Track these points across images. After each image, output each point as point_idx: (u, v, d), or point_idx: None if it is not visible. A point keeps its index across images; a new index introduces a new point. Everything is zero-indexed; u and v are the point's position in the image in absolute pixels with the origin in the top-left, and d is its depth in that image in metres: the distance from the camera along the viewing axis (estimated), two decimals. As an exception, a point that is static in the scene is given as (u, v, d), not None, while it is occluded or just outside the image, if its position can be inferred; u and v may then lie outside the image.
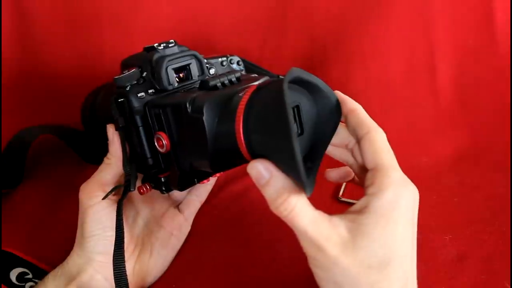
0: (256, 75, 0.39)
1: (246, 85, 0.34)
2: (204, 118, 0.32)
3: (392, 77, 0.65)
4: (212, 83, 0.36)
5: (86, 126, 0.57)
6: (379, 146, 0.31)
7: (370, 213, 0.29)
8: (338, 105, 0.32)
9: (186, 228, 0.47)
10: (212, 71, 0.43)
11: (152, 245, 0.44)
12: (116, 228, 0.37)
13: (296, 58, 0.67)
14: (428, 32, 0.65)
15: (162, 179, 0.40)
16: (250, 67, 0.53)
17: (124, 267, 0.37)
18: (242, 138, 0.30)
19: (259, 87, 0.31)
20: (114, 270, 0.36)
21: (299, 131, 0.30)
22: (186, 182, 0.39)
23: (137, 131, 0.39)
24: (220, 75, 0.37)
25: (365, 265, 0.28)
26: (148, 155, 0.39)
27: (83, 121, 0.57)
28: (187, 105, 0.34)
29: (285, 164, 0.28)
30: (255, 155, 0.30)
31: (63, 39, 0.64)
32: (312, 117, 0.31)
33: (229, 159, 0.34)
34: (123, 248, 0.37)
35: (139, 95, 0.38)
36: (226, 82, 0.36)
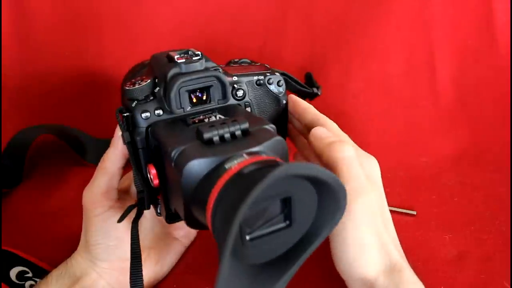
0: (271, 127, 0.32)
1: (242, 151, 0.28)
2: (182, 179, 0.28)
3: (392, 77, 0.65)
4: (207, 135, 0.29)
5: None
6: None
7: None
8: (343, 198, 0.27)
9: (193, 234, 0.46)
10: (240, 93, 0.35)
11: (159, 251, 0.43)
12: (132, 250, 0.36)
13: (296, 58, 0.67)
14: (428, 32, 0.65)
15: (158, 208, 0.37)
16: (293, 86, 0.46)
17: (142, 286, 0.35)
18: (210, 219, 0.26)
19: (242, 171, 0.26)
20: None
21: (287, 223, 0.27)
22: (174, 216, 0.36)
23: (135, 152, 0.35)
24: (222, 123, 0.30)
25: None
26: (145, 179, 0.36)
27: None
28: (172, 156, 0.29)
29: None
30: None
31: (63, 39, 0.64)
32: (310, 208, 0.28)
33: (202, 223, 0.30)
34: (141, 271, 0.35)
35: (143, 115, 0.34)
36: (227, 136, 0.30)
